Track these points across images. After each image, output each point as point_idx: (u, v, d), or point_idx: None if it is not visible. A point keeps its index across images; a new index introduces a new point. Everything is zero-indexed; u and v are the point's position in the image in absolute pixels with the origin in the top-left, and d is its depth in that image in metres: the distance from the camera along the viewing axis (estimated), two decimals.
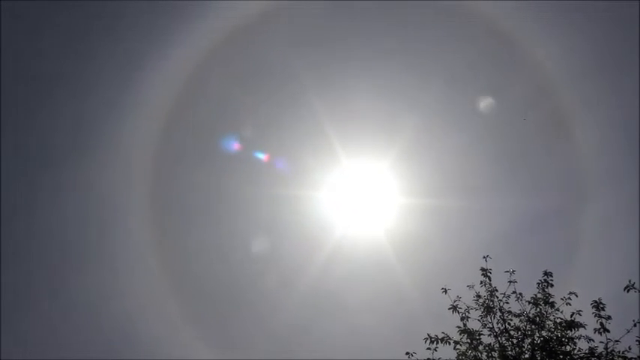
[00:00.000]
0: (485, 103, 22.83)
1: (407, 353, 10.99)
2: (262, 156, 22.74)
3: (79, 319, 21.08)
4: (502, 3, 21.60)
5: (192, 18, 22.56)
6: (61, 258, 22.46)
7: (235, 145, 22.93)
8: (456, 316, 11.17)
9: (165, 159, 23.13)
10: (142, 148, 22.84)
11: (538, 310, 10.89)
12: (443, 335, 10.97)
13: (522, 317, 10.91)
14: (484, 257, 11.58)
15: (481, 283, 11.42)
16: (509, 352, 10.59)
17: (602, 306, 10.34)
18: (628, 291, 9.94)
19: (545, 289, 11.05)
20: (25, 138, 22.54)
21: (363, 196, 22.60)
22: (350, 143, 22.10)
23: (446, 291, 11.38)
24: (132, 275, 22.63)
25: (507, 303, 11.13)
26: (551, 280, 11.12)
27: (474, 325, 11.13)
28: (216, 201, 23.08)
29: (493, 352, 10.76)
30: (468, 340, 10.84)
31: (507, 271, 11.37)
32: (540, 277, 11.22)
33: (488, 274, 11.47)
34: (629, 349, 9.95)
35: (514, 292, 11.20)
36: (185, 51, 22.63)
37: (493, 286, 11.38)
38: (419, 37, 22.88)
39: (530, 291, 11.21)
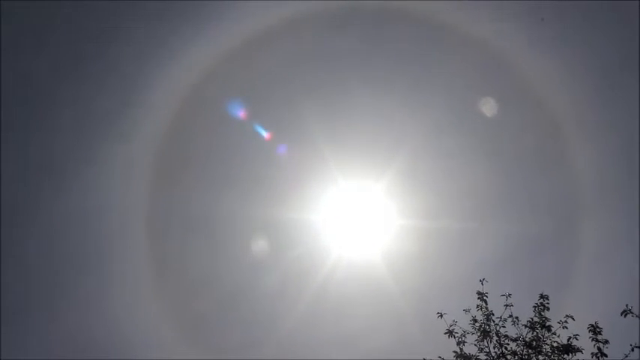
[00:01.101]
0: (482, 126, 22.97)
1: None
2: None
3: (72, 331, 20.85)
4: (496, 25, 21.80)
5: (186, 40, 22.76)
6: (57, 266, 22.30)
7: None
8: (454, 340, 11.13)
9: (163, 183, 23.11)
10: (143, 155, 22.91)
11: (535, 334, 10.83)
12: None
13: (519, 341, 10.85)
14: (480, 281, 11.57)
15: (477, 307, 11.38)
16: None
17: (599, 330, 10.28)
18: (625, 316, 9.88)
19: (542, 313, 11.01)
20: (25, 147, 22.49)
21: (359, 217, 22.55)
22: (347, 164, 22.11)
23: (442, 315, 11.31)
24: (126, 285, 22.50)
25: (504, 327, 11.11)
26: (548, 304, 11.09)
27: (471, 349, 11.11)
28: (213, 221, 23.00)
29: None
30: None
31: (504, 295, 11.35)
32: (537, 300, 11.25)
33: (485, 297, 11.44)
34: None
35: (510, 316, 11.17)
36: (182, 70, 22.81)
37: (490, 309, 11.35)
38: (418, 59, 23.03)
39: (526, 314, 11.19)
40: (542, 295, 11.17)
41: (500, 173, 22.81)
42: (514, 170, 22.76)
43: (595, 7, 21.43)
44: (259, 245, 22.34)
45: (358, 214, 22.51)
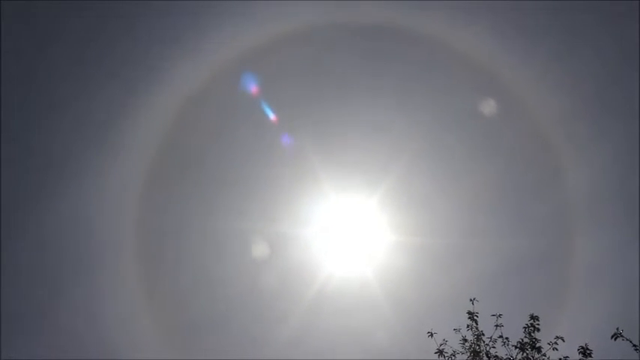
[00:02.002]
0: (475, 143, 23.04)
1: None
2: None
3: (63, 337, 20.67)
4: (496, 47, 21.96)
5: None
6: (49, 272, 22.14)
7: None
8: None
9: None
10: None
11: (525, 354, 10.73)
12: None
13: None
14: (471, 300, 11.50)
15: (468, 326, 11.29)
16: None
17: (589, 352, 10.20)
18: (615, 339, 9.81)
19: (532, 334, 10.91)
20: (18, 155, 22.41)
21: (352, 233, 22.46)
22: (338, 180, 22.10)
23: (432, 335, 11.22)
24: (119, 292, 22.38)
25: (494, 347, 11.03)
26: (538, 325, 10.99)
27: None
28: (205, 232, 22.87)
29: None
30: None
31: (494, 315, 11.27)
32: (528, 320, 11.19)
33: (475, 317, 11.36)
34: None
35: (500, 337, 11.09)
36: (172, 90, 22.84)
37: (480, 330, 11.26)
38: (412, 77, 23.12)
39: (518, 333, 11.11)
40: (532, 315, 11.07)
41: (492, 190, 22.84)
42: (506, 187, 22.81)
43: (586, 21, 21.68)
44: (250, 258, 22.28)
45: (350, 229, 22.46)
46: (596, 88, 22.26)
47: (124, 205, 22.99)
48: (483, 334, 11.16)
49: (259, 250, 21.99)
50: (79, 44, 23.15)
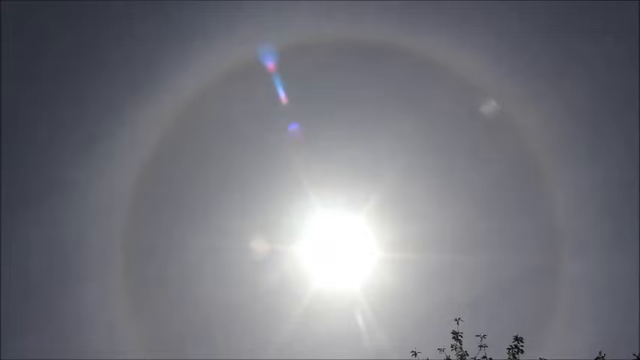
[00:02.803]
0: (465, 159, 23.09)
1: None
2: None
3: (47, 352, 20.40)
4: (488, 66, 22.11)
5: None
6: (33, 287, 21.92)
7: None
8: None
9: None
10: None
11: None
12: None
13: None
14: (456, 320, 11.42)
15: (452, 346, 11.20)
16: None
17: None
18: None
19: (516, 355, 10.82)
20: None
21: (339, 249, 22.35)
22: (327, 195, 22.03)
23: (416, 354, 11.13)
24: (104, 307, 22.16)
25: None
26: (522, 346, 10.90)
27: None
28: (190, 253, 22.71)
29: None
30: None
31: (478, 335, 11.19)
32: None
33: (460, 337, 11.28)
34: None
35: (484, 357, 10.99)
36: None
37: (464, 350, 11.17)
38: (400, 91, 23.18)
39: (503, 355, 11.02)
40: (516, 337, 10.98)
41: (482, 206, 22.85)
42: (495, 204, 22.82)
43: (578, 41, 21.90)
44: (237, 275, 22.17)
45: (338, 245, 22.36)
46: (586, 112, 22.48)
47: (112, 215, 22.88)
48: (467, 355, 11.07)
49: (246, 266, 21.90)
50: (68, 47, 23.20)
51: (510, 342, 10.96)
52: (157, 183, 23.33)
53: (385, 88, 23.24)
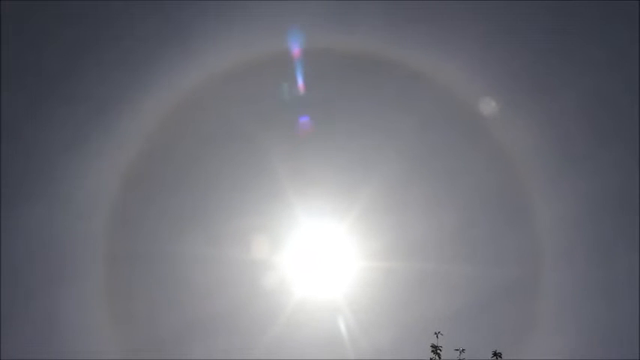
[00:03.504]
0: (450, 169, 23.13)
1: None
2: None
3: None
4: (474, 82, 22.22)
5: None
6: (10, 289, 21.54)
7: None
8: None
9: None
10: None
11: None
12: None
13: None
14: (435, 334, 11.36)
15: None
16: None
17: None
18: None
19: None
20: None
21: (321, 258, 22.28)
22: (310, 204, 21.97)
23: None
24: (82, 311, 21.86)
25: None
26: None
27: None
28: (173, 261, 22.50)
29: None
30: None
31: (457, 350, 11.14)
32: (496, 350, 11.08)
33: (439, 351, 11.23)
34: None
35: None
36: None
37: None
38: (385, 101, 23.18)
39: None
40: (495, 352, 10.96)
41: (465, 216, 22.87)
42: (479, 214, 22.85)
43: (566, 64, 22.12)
44: (219, 285, 21.98)
45: (321, 254, 22.30)
46: (568, 132, 22.68)
47: (96, 213, 22.65)
48: None
49: (228, 275, 21.75)
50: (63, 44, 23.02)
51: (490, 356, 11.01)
52: (143, 186, 23.17)
53: (371, 98, 23.23)
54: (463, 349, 11.11)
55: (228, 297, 22.01)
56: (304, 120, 22.48)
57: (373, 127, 23.13)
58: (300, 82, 22.04)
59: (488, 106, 22.12)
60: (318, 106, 22.67)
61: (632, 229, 21.04)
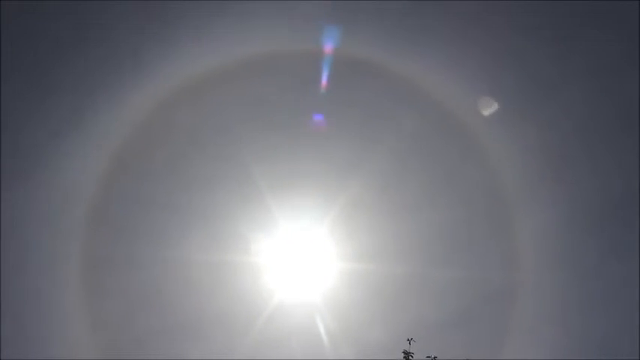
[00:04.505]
0: (434, 170, 23.13)
1: None
2: None
3: None
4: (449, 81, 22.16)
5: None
6: None
7: None
8: None
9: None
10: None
11: None
12: None
13: None
14: (408, 340, 11.35)
15: None
16: None
17: None
18: None
19: None
20: None
21: (300, 261, 22.16)
22: (288, 206, 21.83)
23: None
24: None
25: None
26: None
27: None
28: (149, 264, 22.23)
29: None
30: None
31: (429, 357, 11.13)
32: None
33: (410, 357, 11.21)
34: None
35: None
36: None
37: None
38: (368, 102, 23.08)
39: None
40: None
41: (446, 220, 22.78)
42: (461, 218, 22.79)
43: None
44: (197, 287, 21.78)
45: (300, 256, 22.17)
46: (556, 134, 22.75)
47: (72, 206, 22.29)
48: None
49: (205, 278, 21.54)
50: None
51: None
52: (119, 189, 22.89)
53: (355, 102, 23.08)
54: (435, 357, 11.12)
55: (207, 299, 21.84)
56: (319, 118, 22.36)
57: (356, 128, 23.04)
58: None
59: (476, 110, 22.11)
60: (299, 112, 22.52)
61: (623, 236, 21.24)
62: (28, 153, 22.60)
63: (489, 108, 21.64)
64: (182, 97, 22.49)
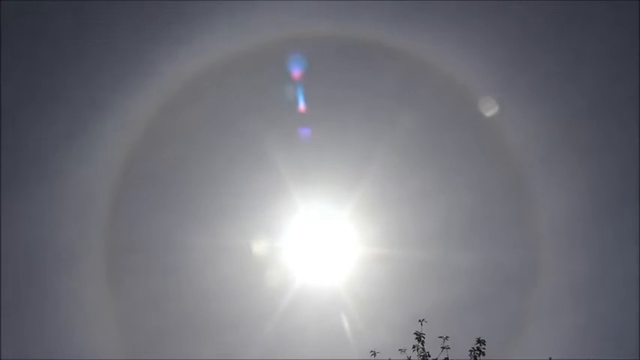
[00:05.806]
0: (453, 154, 23.01)
1: None
2: None
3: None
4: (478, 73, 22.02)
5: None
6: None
7: None
8: None
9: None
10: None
11: None
12: None
13: None
14: (420, 321, 11.38)
15: (414, 347, 11.17)
16: None
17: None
18: None
19: (477, 358, 10.79)
20: None
21: (322, 245, 22.27)
22: (309, 191, 21.97)
23: (374, 354, 11.14)
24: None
25: None
26: (484, 349, 10.86)
27: None
28: (172, 250, 22.61)
29: None
30: None
31: (441, 337, 11.16)
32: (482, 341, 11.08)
33: (422, 338, 11.25)
34: None
35: (446, 359, 10.96)
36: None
37: (426, 351, 11.15)
38: (388, 90, 23.06)
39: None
40: (479, 339, 10.95)
41: (468, 206, 22.72)
42: (480, 202, 22.71)
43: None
44: (221, 272, 22.09)
45: (321, 241, 22.30)
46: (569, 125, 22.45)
47: (93, 207, 22.76)
48: (429, 356, 11.04)
49: (227, 263, 21.85)
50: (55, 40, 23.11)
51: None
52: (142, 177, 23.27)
53: (374, 87, 23.08)
54: (447, 337, 11.15)
55: (227, 285, 22.11)
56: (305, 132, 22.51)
57: (376, 116, 23.05)
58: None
59: (493, 99, 21.95)
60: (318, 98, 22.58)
61: (635, 226, 20.92)
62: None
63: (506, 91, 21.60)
64: (206, 84, 22.76)
